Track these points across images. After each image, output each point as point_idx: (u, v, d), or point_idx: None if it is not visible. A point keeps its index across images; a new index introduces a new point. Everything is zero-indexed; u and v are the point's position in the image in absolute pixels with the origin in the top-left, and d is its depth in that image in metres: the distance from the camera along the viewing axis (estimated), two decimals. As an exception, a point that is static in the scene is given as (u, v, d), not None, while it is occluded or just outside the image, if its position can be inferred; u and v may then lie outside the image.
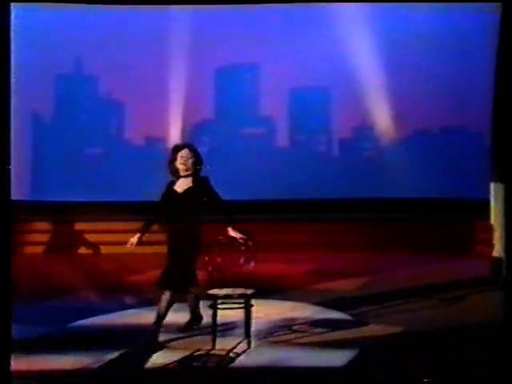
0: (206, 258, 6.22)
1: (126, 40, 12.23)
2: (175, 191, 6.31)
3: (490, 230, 9.22)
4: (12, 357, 5.48)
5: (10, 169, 5.50)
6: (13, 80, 9.56)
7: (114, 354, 5.98)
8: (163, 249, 11.52)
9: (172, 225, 6.36)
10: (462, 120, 12.35)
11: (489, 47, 9.85)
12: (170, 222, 6.37)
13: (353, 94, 12.27)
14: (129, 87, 12.36)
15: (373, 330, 6.74)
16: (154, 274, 9.70)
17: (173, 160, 6.34)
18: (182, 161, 6.29)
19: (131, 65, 12.24)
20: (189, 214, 6.25)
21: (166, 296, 6.21)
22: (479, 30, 11.42)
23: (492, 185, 9.22)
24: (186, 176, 6.32)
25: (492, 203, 9.14)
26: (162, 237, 11.83)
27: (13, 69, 8.56)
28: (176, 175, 6.36)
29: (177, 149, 6.36)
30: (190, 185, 6.30)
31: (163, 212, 6.39)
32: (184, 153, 6.30)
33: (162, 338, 6.31)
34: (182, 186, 6.32)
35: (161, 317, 6.21)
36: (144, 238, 12.14)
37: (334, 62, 12.20)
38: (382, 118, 12.53)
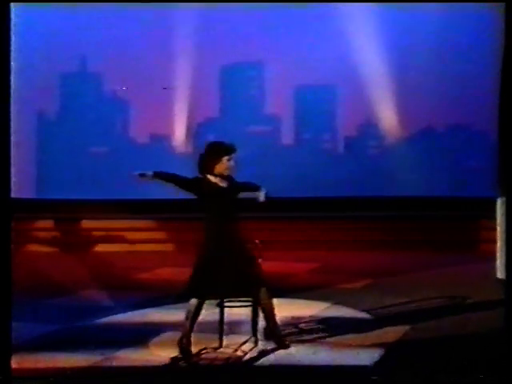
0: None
1: (131, 38, 12.22)
2: (220, 186, 5.93)
3: (496, 228, 9.19)
4: (17, 355, 5.52)
5: (10, 167, 5.44)
6: (18, 78, 9.59)
7: (121, 352, 5.97)
8: (166, 247, 11.63)
9: (224, 223, 5.88)
10: (467, 118, 12.34)
11: (494, 45, 9.81)
12: (220, 220, 5.89)
13: (358, 92, 12.26)
14: (134, 86, 12.35)
15: (379, 328, 6.73)
16: (160, 271, 9.76)
17: (218, 159, 5.89)
18: (229, 164, 5.93)
19: (136, 63, 12.22)
20: (237, 211, 5.97)
21: (193, 306, 5.92)
22: (485, 27, 11.39)
23: (498, 183, 9.18)
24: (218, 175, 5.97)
25: (498, 202, 9.11)
26: (163, 235, 11.93)
27: (18, 67, 8.55)
28: (209, 173, 5.95)
29: (229, 151, 5.92)
30: (228, 182, 5.98)
31: (207, 206, 5.93)
32: (235, 156, 5.96)
33: (169, 336, 6.32)
34: (221, 182, 5.96)
35: (190, 329, 5.95)
36: (147, 236, 12.14)
37: (339, 61, 12.19)
38: (387, 116, 12.53)
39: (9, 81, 5.55)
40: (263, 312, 6.05)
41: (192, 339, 5.95)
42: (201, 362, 5.85)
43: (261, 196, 6.02)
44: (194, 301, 5.93)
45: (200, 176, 5.96)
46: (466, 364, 5.66)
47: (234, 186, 6.00)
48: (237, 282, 5.86)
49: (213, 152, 5.94)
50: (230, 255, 5.86)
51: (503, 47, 8.32)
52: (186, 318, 5.96)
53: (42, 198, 12.40)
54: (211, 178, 5.94)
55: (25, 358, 5.78)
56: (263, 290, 5.97)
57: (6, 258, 5.24)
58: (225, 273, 5.82)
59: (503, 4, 8.73)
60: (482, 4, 11.24)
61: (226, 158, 5.91)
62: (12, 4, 5.61)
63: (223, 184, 5.95)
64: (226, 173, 5.94)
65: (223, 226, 5.88)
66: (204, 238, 5.94)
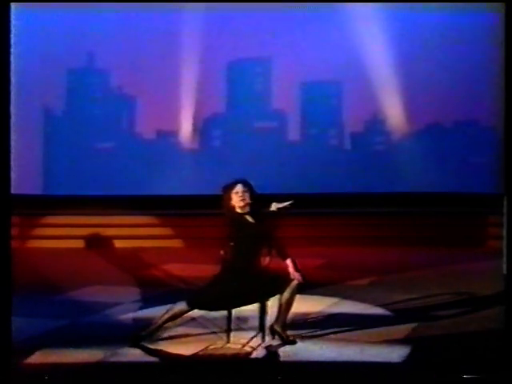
0: (222, 252, 6.21)
1: (138, 34, 12.24)
2: (248, 221, 6.09)
3: (502, 224, 9.19)
4: (22, 352, 5.55)
5: (10, 163, 5.45)
6: (23, 75, 9.61)
7: (128, 348, 5.98)
8: (173, 243, 11.65)
9: (248, 257, 6.10)
10: (474, 114, 12.33)
11: (500, 41, 9.81)
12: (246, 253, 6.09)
13: (364, 87, 12.26)
14: (140, 81, 12.37)
15: (386, 324, 6.74)
16: (167, 268, 9.77)
17: (228, 199, 6.08)
18: (239, 196, 6.05)
19: (142, 59, 12.24)
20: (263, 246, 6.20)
21: (180, 311, 6.07)
22: (490, 23, 11.38)
23: (505, 179, 9.17)
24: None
25: (505, 198, 9.10)
26: (170, 231, 11.95)
27: (22, 65, 8.57)
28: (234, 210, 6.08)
29: (231, 186, 6.10)
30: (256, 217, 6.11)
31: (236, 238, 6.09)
32: (238, 188, 6.09)
33: (176, 331, 6.33)
34: (249, 217, 6.11)
35: (158, 327, 6.11)
36: (154, 232, 12.15)
37: (345, 56, 12.18)
38: (393, 111, 12.52)
39: (9, 77, 5.55)
40: (285, 305, 6.03)
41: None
42: (208, 358, 5.84)
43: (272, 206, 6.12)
44: (184, 306, 6.02)
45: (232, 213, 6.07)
46: (473, 361, 5.66)
47: (261, 219, 6.10)
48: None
49: (224, 192, 6.09)
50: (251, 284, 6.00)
51: (505, 46, 8.32)
52: (165, 314, 6.05)
53: (47, 194, 12.42)
54: (241, 215, 6.07)
55: (31, 354, 5.79)
56: (294, 283, 6.01)
57: (7, 254, 5.24)
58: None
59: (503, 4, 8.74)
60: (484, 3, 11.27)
61: (233, 191, 6.05)
62: (12, 4, 5.62)
63: (251, 219, 6.07)
64: (240, 205, 6.03)
65: (247, 259, 6.03)
66: (228, 261, 6.06)
